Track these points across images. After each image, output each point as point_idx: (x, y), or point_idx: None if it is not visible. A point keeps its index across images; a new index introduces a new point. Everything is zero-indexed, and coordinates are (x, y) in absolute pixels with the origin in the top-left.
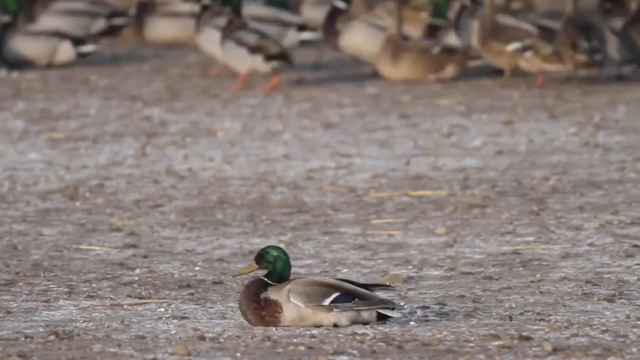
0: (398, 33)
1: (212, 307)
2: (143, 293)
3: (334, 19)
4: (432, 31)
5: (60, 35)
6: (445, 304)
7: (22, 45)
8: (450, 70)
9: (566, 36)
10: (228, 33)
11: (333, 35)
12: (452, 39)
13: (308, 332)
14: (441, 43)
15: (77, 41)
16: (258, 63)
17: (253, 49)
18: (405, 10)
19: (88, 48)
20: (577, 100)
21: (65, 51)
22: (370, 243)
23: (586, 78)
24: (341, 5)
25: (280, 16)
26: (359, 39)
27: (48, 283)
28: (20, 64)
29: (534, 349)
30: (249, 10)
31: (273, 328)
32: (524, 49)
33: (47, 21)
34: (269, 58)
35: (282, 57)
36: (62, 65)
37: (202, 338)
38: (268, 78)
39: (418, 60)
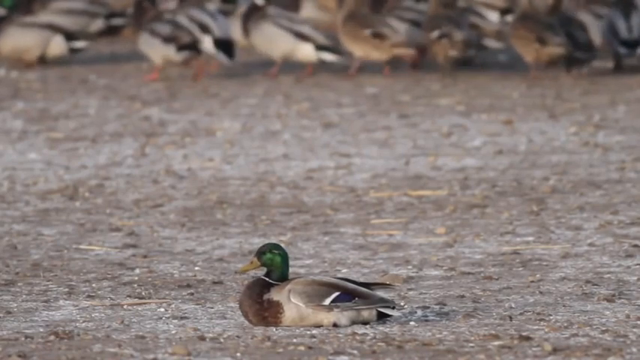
0: None
1: (212, 307)
2: (143, 293)
3: (249, 17)
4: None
5: (53, 28)
6: (445, 304)
7: (15, 36)
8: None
9: (525, 29)
10: (143, 23)
11: (246, 33)
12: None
13: (308, 332)
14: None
15: (70, 36)
16: (171, 53)
17: (166, 40)
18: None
19: (80, 44)
20: (577, 99)
21: (57, 45)
22: (370, 243)
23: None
24: (259, 2)
25: None
26: (263, 39)
27: (48, 283)
28: (13, 55)
29: (534, 349)
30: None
31: (274, 329)
32: (375, 35)
33: (45, 19)
34: (181, 48)
35: (194, 47)
36: (59, 63)
37: (202, 338)
38: (270, 75)
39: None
